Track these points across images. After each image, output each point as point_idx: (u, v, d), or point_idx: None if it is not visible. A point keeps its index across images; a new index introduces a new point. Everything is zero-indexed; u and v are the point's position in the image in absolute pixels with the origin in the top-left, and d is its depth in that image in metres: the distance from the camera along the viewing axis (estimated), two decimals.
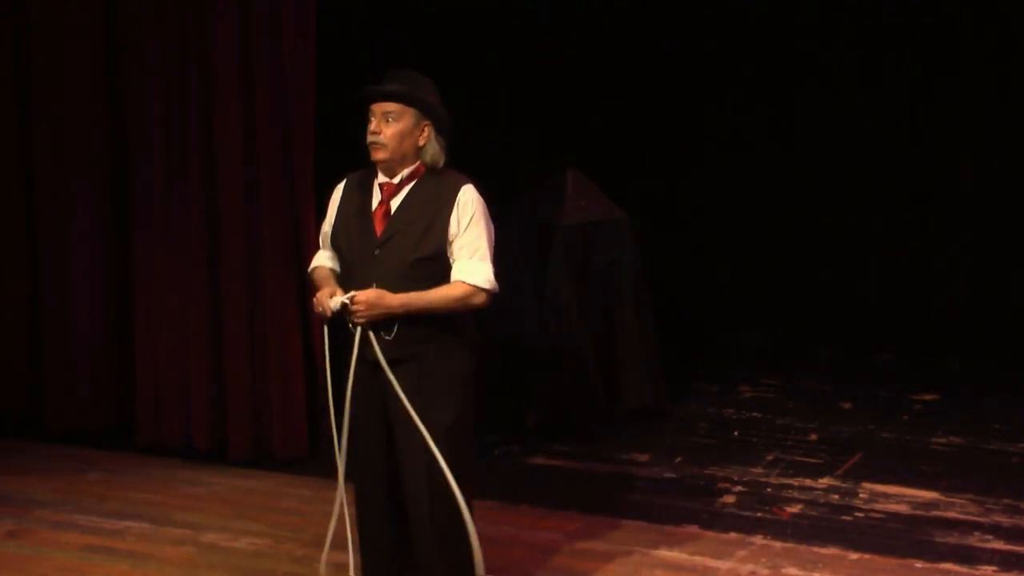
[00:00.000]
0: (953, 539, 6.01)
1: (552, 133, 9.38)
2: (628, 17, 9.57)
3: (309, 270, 5.15)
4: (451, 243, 4.80)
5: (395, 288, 4.73)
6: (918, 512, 6.33)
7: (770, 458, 7.08)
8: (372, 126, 4.79)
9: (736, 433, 7.51)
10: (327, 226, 5.03)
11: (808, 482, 6.73)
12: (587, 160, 8.09)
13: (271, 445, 7.11)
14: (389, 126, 4.78)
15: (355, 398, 4.87)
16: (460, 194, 4.81)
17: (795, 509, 6.39)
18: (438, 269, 4.80)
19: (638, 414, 7.67)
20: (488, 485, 6.21)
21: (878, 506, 6.41)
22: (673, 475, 6.88)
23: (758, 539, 6.04)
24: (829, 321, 9.23)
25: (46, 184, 7.47)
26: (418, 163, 4.86)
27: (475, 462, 5.01)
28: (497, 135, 9.21)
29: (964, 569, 5.71)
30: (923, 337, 8.96)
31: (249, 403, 7.10)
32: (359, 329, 4.71)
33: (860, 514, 6.32)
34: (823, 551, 5.89)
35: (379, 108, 4.79)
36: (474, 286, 4.77)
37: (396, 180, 4.85)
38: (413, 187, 4.86)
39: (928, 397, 8.07)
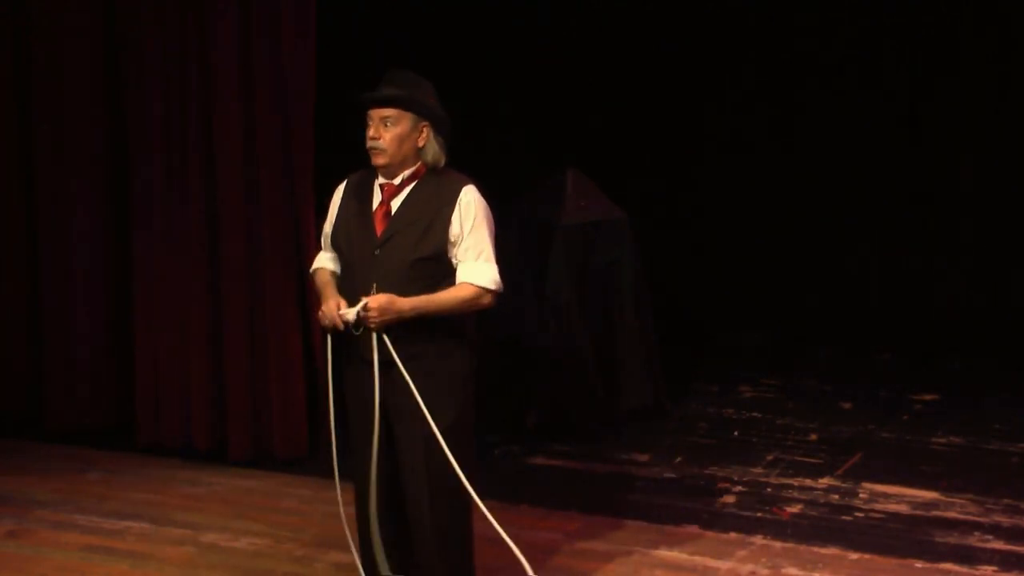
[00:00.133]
0: (953, 539, 6.01)
1: (552, 133, 9.37)
2: (628, 17, 9.56)
3: (311, 271, 5.16)
4: (452, 243, 4.80)
5: (396, 288, 4.73)
6: (918, 512, 6.33)
7: (770, 458, 7.08)
8: (371, 131, 4.81)
9: (736, 433, 7.51)
10: (328, 227, 5.03)
11: (808, 482, 6.73)
12: (587, 160, 8.09)
13: (271, 445, 7.11)
14: (388, 130, 4.79)
15: (354, 399, 4.88)
16: (462, 194, 4.82)
17: (795, 509, 6.39)
18: (438, 269, 4.80)
19: (638, 414, 7.67)
20: (488, 485, 6.18)
21: (878, 506, 6.41)
22: (673, 475, 6.88)
23: (758, 539, 6.03)
24: (829, 321, 9.23)
25: (46, 184, 7.47)
26: (419, 164, 4.87)
27: (475, 462, 5.01)
28: (497, 135, 9.21)
29: (964, 569, 5.70)
30: (923, 337, 8.96)
31: (249, 403, 7.10)
32: (373, 336, 4.70)
33: (860, 514, 6.32)
34: (823, 551, 5.89)
35: (377, 113, 4.80)
36: (482, 287, 4.80)
37: (397, 181, 4.86)
38: (414, 187, 4.86)
39: (928, 397, 8.07)
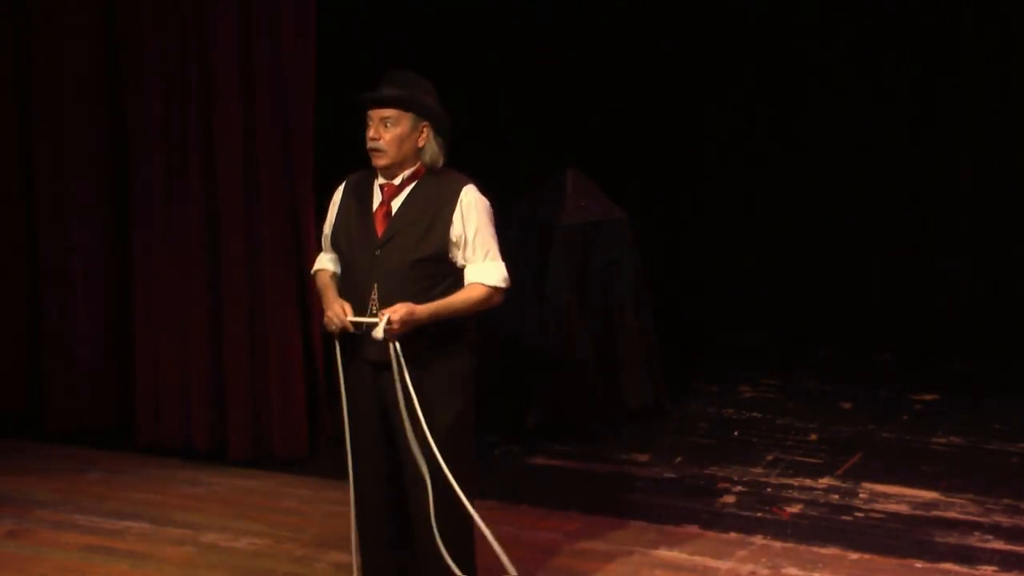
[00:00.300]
0: (953, 539, 6.01)
1: (552, 133, 9.37)
2: (628, 17, 9.56)
3: (311, 273, 5.16)
4: (454, 243, 4.81)
5: (396, 288, 4.74)
6: (918, 512, 6.33)
7: (770, 458, 7.08)
8: (371, 132, 4.81)
9: (736, 433, 7.51)
10: (327, 228, 5.04)
11: (808, 482, 6.73)
12: (587, 160, 8.09)
13: (271, 445, 7.11)
14: (388, 131, 4.80)
15: (355, 399, 4.89)
16: (463, 194, 4.83)
17: (795, 509, 6.39)
18: (439, 269, 4.81)
19: (638, 414, 7.67)
20: (488, 485, 6.20)
21: (878, 506, 6.41)
22: (673, 475, 6.88)
23: (758, 539, 6.04)
24: (829, 321, 9.22)
25: (46, 184, 7.47)
26: (419, 164, 4.87)
27: (475, 462, 5.01)
28: (497, 135, 9.21)
29: (964, 569, 5.71)
30: (923, 337, 8.96)
31: (249, 403, 7.10)
32: (392, 345, 4.70)
33: (860, 514, 6.32)
34: (823, 551, 5.89)
35: (377, 114, 4.80)
36: (492, 287, 4.83)
37: (397, 181, 4.87)
38: (414, 187, 4.87)
39: (928, 397, 8.07)
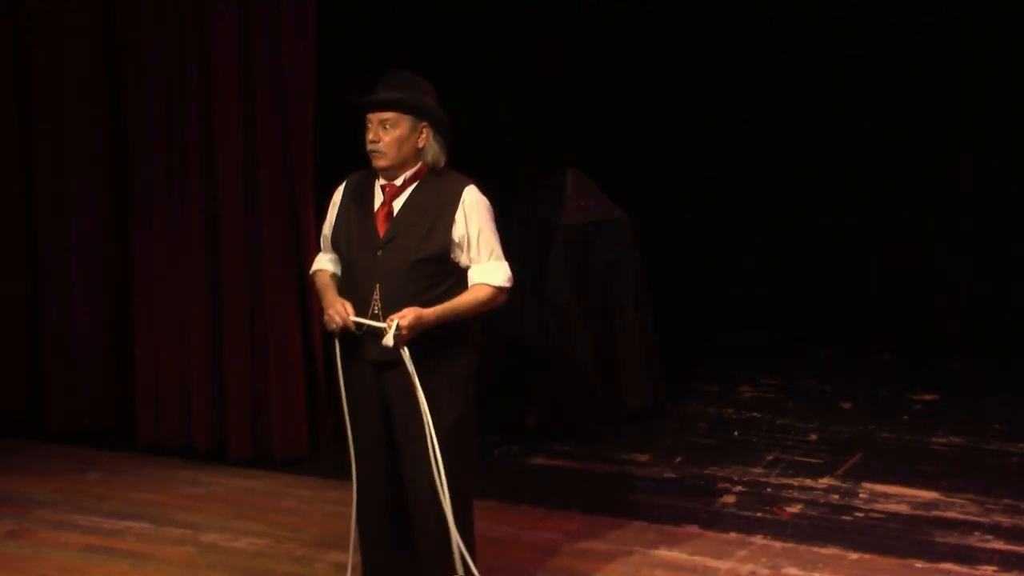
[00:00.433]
0: (953, 539, 6.01)
1: (552, 133, 9.37)
2: (628, 17, 9.56)
3: (310, 273, 5.16)
4: (457, 244, 4.82)
5: (397, 288, 4.75)
6: (918, 512, 6.33)
7: (770, 458, 7.08)
8: (370, 135, 4.82)
9: (736, 433, 7.51)
10: (327, 228, 5.04)
11: (808, 482, 6.73)
12: (587, 160, 8.09)
13: (271, 445, 7.11)
14: (387, 133, 4.80)
15: (356, 399, 4.89)
16: (464, 195, 4.84)
17: (795, 509, 6.39)
18: (440, 269, 4.81)
19: (638, 414, 7.67)
20: (488, 485, 6.21)
21: (878, 506, 6.41)
22: (673, 475, 6.88)
23: (758, 539, 6.04)
24: (829, 321, 9.22)
25: (46, 184, 7.47)
26: (419, 164, 4.88)
27: (475, 462, 5.01)
28: (497, 135, 9.21)
29: (964, 569, 5.71)
30: (923, 337, 8.96)
31: (249, 403, 7.10)
32: (403, 350, 4.71)
33: (860, 514, 6.32)
34: (823, 551, 5.89)
35: (376, 116, 4.81)
36: (497, 287, 4.85)
37: (399, 182, 4.87)
38: (415, 188, 4.87)
39: (928, 397, 8.07)
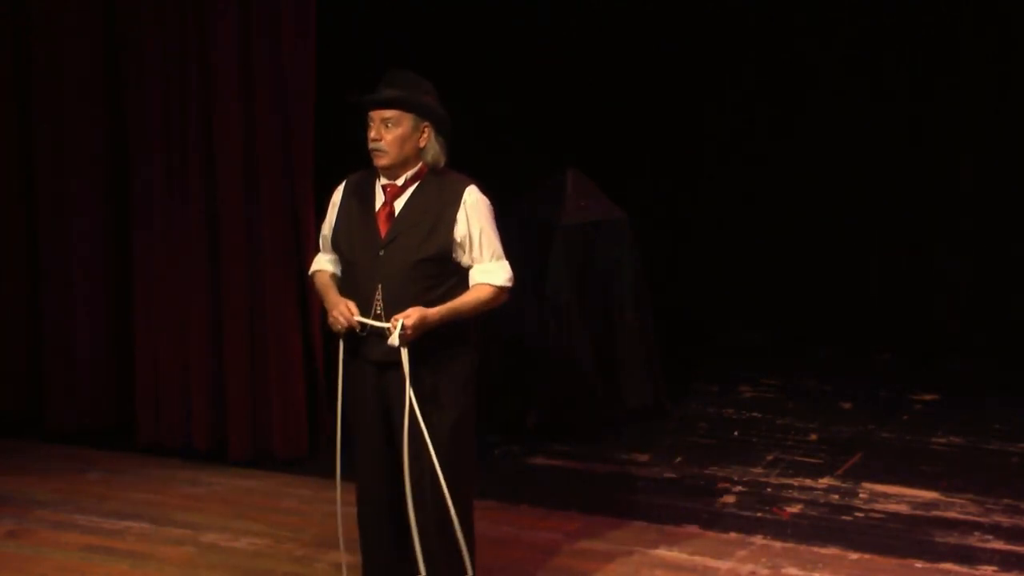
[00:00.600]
0: (953, 539, 6.01)
1: (552, 133, 9.37)
2: (628, 17, 9.56)
3: (310, 273, 5.16)
4: (459, 244, 4.82)
5: (399, 288, 4.76)
6: (918, 512, 6.33)
7: (770, 458, 7.08)
8: (372, 133, 4.82)
9: (736, 433, 7.51)
10: (327, 228, 5.03)
11: (808, 482, 6.73)
12: (587, 160, 8.09)
13: (271, 445, 7.11)
14: (389, 131, 4.80)
15: (357, 399, 4.89)
16: (466, 195, 4.84)
17: (795, 509, 6.39)
18: (441, 269, 4.82)
19: (638, 414, 7.67)
20: (488, 485, 6.21)
21: (878, 506, 6.41)
22: (673, 475, 6.88)
23: (758, 539, 6.04)
24: (829, 321, 9.22)
25: (46, 184, 7.47)
26: (420, 164, 4.88)
27: (476, 462, 5.01)
28: (497, 135, 9.20)
29: (964, 569, 5.71)
30: (923, 337, 8.96)
31: (249, 403, 7.10)
32: (403, 350, 4.71)
33: (860, 514, 6.32)
34: (823, 551, 5.89)
35: (378, 115, 4.81)
36: (499, 287, 4.86)
37: (400, 182, 4.87)
38: (416, 188, 4.87)
39: (928, 397, 8.07)
